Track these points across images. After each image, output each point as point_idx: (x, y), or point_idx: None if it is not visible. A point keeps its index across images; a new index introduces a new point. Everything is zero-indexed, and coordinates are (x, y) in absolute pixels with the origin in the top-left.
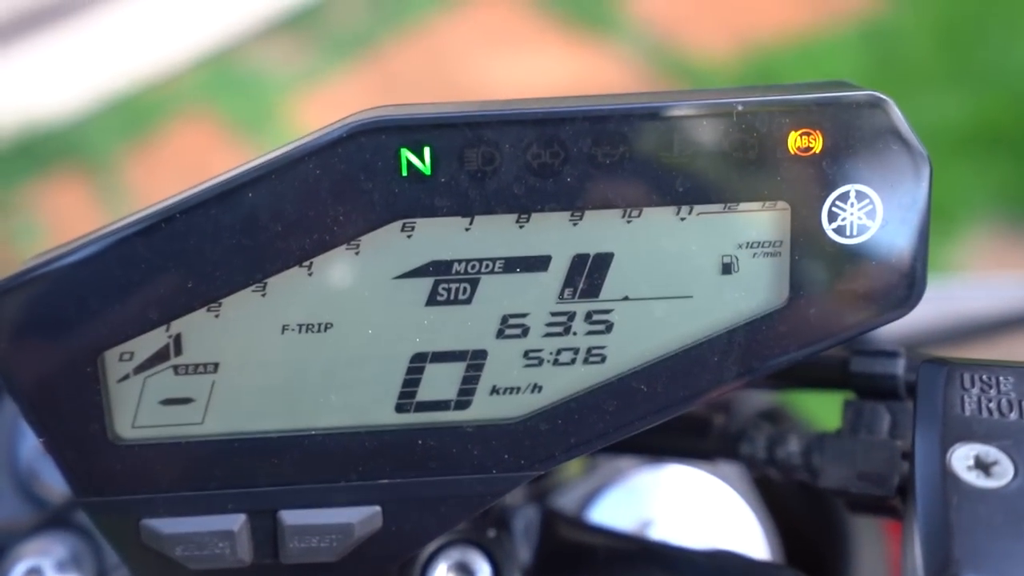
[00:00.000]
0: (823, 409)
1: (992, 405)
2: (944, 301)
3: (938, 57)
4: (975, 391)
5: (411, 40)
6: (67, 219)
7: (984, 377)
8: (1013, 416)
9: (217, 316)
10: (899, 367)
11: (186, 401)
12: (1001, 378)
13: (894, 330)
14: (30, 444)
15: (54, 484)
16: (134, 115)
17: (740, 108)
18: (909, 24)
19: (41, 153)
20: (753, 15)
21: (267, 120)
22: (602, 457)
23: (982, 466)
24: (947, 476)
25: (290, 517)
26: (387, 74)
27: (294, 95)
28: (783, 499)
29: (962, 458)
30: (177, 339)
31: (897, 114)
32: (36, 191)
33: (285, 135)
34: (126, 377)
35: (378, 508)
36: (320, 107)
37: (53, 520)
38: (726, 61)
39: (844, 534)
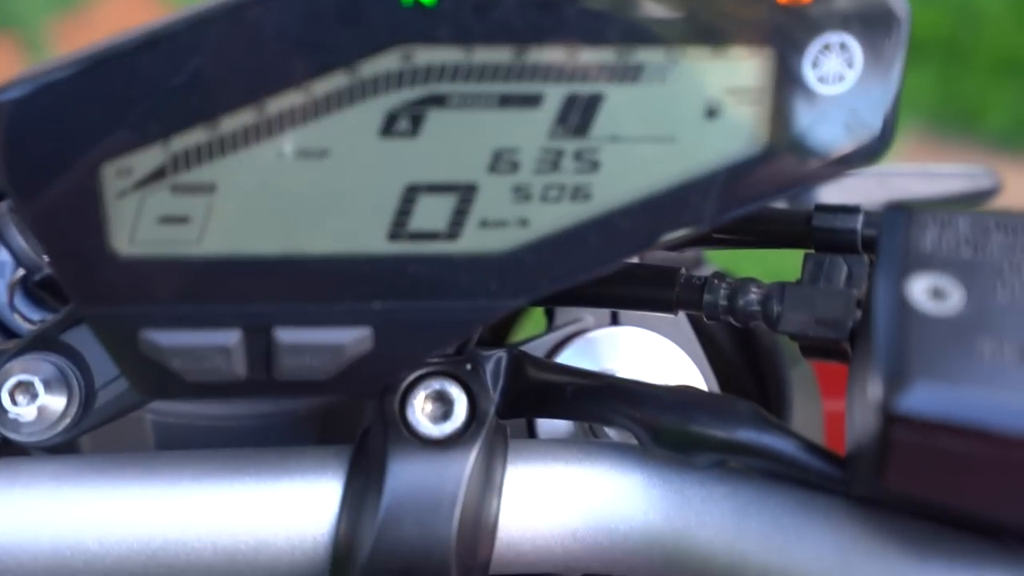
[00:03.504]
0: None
1: (949, 242)
2: (883, 181)
3: None
4: (934, 230)
5: None
6: None
7: (943, 219)
8: (967, 251)
9: (215, 136)
10: (858, 222)
11: (183, 220)
12: (958, 219)
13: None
14: (2, 281)
15: (31, 315)
16: None
17: None
18: None
19: None
20: None
21: None
22: (563, 316)
23: (937, 294)
24: (904, 304)
25: (284, 335)
26: None
27: None
28: (724, 355)
29: (920, 287)
30: (175, 157)
31: None
32: None
33: None
34: (124, 193)
35: (369, 330)
36: None
37: (37, 341)
38: None
39: (781, 383)
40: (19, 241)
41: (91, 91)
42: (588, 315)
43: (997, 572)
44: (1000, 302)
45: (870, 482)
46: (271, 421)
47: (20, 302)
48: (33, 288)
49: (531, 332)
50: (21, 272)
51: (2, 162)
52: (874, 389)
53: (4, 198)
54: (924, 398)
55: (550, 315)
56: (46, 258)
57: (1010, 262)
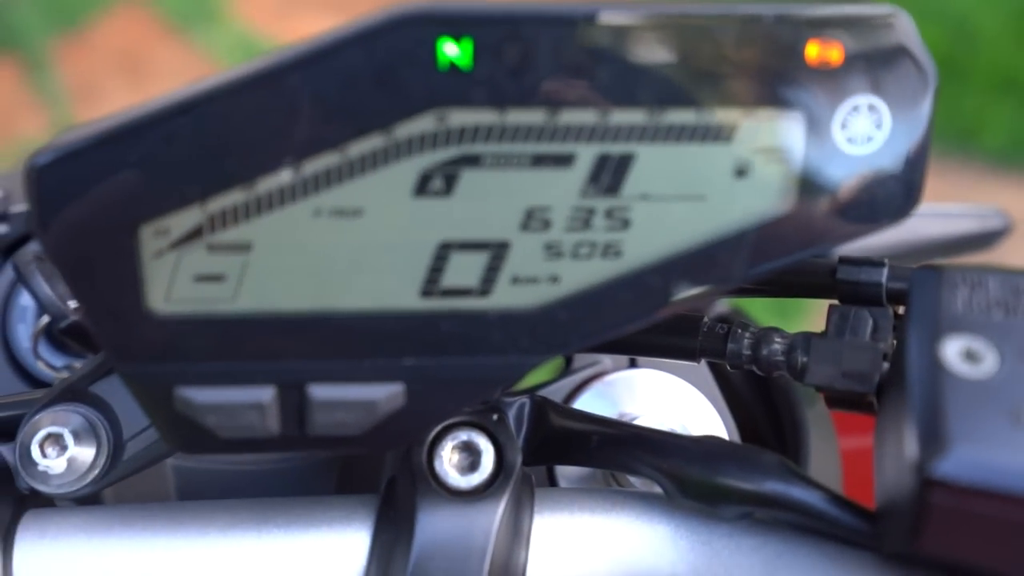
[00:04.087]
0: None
1: (980, 303)
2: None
3: None
4: (965, 291)
5: None
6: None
7: (973, 279)
8: (998, 313)
9: (252, 196)
10: (883, 275)
11: (219, 278)
12: (989, 279)
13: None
14: (27, 327)
15: (55, 362)
16: (65, 1)
17: (771, 17)
18: None
19: None
20: None
21: (204, 13)
22: (580, 357)
23: (971, 357)
24: (938, 365)
25: (318, 391)
26: None
27: None
28: (742, 398)
29: (954, 349)
30: (212, 217)
31: (911, 29)
32: None
33: (221, 31)
34: (161, 252)
35: (402, 386)
36: (257, 2)
37: (66, 393)
38: None
39: (798, 422)
40: (44, 288)
41: (128, 155)
42: (606, 358)
43: None
44: None
45: (904, 540)
46: (291, 467)
47: (44, 348)
48: (57, 334)
49: (548, 372)
50: (46, 319)
51: (37, 224)
52: (911, 450)
53: (26, 242)
54: (962, 463)
55: (568, 358)
56: (72, 306)
57: None
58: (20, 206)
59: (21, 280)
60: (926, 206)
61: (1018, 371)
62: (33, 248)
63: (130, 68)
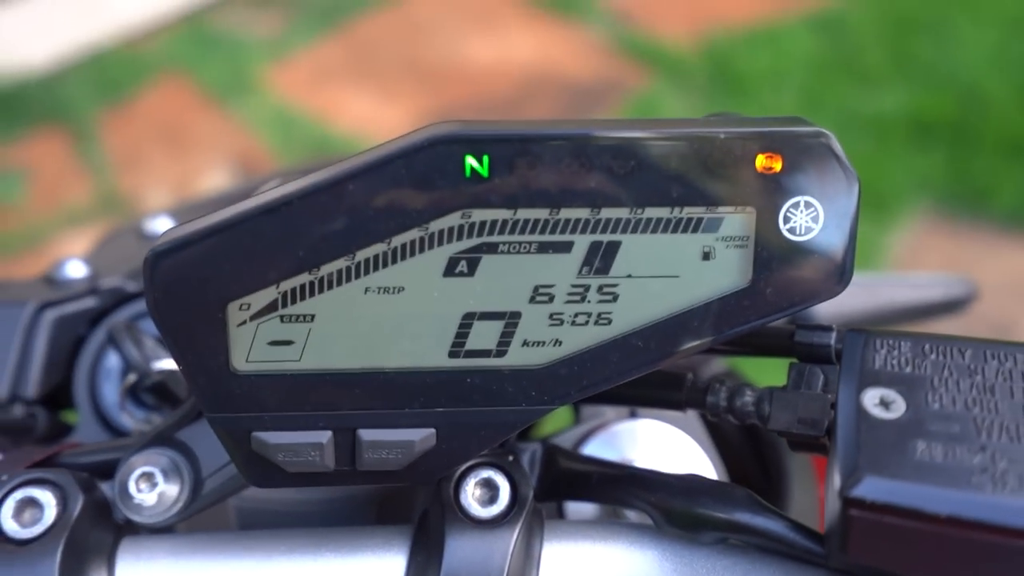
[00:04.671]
0: (761, 374)
1: (894, 362)
2: (871, 291)
3: (881, 51)
4: (883, 351)
5: (385, 11)
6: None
7: (890, 342)
8: (908, 369)
9: (316, 279)
10: (832, 339)
11: (288, 343)
12: (901, 343)
13: (830, 311)
14: (111, 385)
15: (134, 412)
16: (111, 73)
17: (722, 136)
18: (857, 19)
19: (19, 108)
20: (713, 5)
21: (241, 85)
22: (588, 410)
23: (884, 404)
24: (859, 411)
25: (366, 435)
26: (359, 44)
27: (268, 61)
28: (733, 447)
29: (871, 398)
30: (284, 295)
31: (836, 144)
32: (18, 149)
33: (257, 102)
34: (243, 323)
35: (433, 430)
36: (292, 75)
37: (156, 438)
38: (686, 45)
39: (782, 472)
40: (133, 352)
41: (221, 247)
42: (610, 410)
43: None
44: (931, 410)
45: (839, 554)
46: (336, 505)
47: (128, 404)
48: (140, 392)
49: (560, 422)
50: (132, 377)
51: (151, 301)
52: (835, 479)
53: (109, 313)
54: (872, 487)
55: (576, 410)
56: (156, 367)
57: (939, 378)
58: (108, 280)
59: (113, 343)
60: (898, 275)
61: (918, 415)
62: (121, 317)
63: (171, 138)
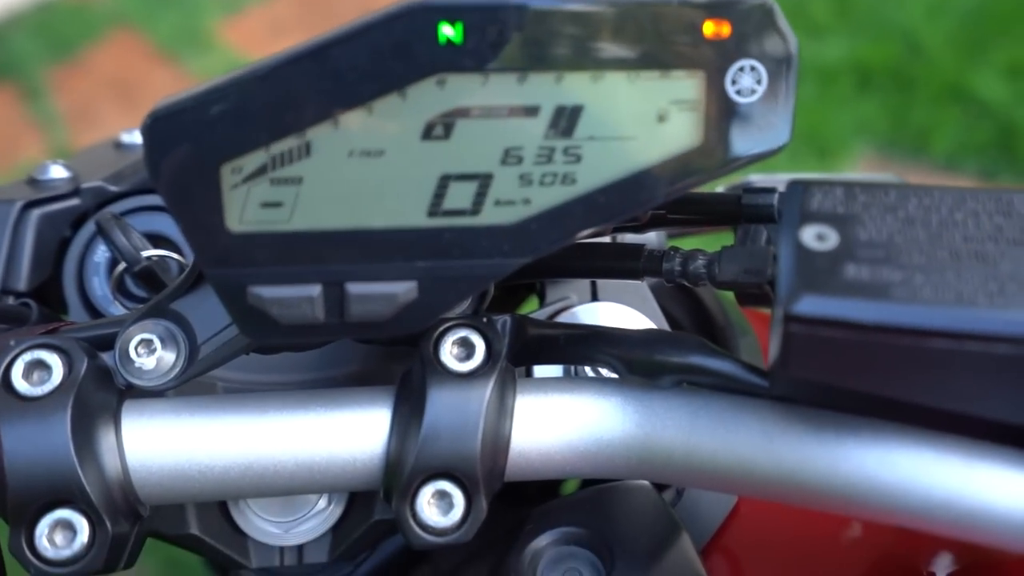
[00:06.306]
0: None
1: (829, 203)
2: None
3: (825, 2)
4: (819, 196)
5: None
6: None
7: (825, 188)
8: (840, 209)
9: (303, 142)
10: (776, 199)
11: (278, 204)
12: (836, 188)
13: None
14: (100, 279)
15: (125, 302)
16: (60, 28)
17: (675, 3)
18: None
19: None
20: None
21: (194, 39)
22: (553, 294)
23: (820, 238)
24: (798, 245)
25: (353, 287)
26: None
27: (221, 15)
28: (684, 329)
29: (808, 233)
30: (273, 159)
31: (778, 11)
32: None
33: (210, 57)
34: (236, 185)
35: (415, 283)
36: (246, 29)
37: (152, 310)
38: None
39: (732, 350)
40: (121, 239)
41: (214, 112)
42: (572, 293)
43: (882, 440)
44: (860, 240)
45: (783, 381)
46: (317, 385)
47: (118, 295)
48: (129, 281)
49: (526, 308)
50: (122, 266)
51: (149, 163)
52: (779, 304)
53: (106, 206)
54: (809, 304)
55: (541, 296)
56: (144, 254)
57: (867, 215)
58: (89, 182)
59: (102, 233)
60: (836, 174)
61: (849, 244)
62: (107, 211)
63: (124, 93)
